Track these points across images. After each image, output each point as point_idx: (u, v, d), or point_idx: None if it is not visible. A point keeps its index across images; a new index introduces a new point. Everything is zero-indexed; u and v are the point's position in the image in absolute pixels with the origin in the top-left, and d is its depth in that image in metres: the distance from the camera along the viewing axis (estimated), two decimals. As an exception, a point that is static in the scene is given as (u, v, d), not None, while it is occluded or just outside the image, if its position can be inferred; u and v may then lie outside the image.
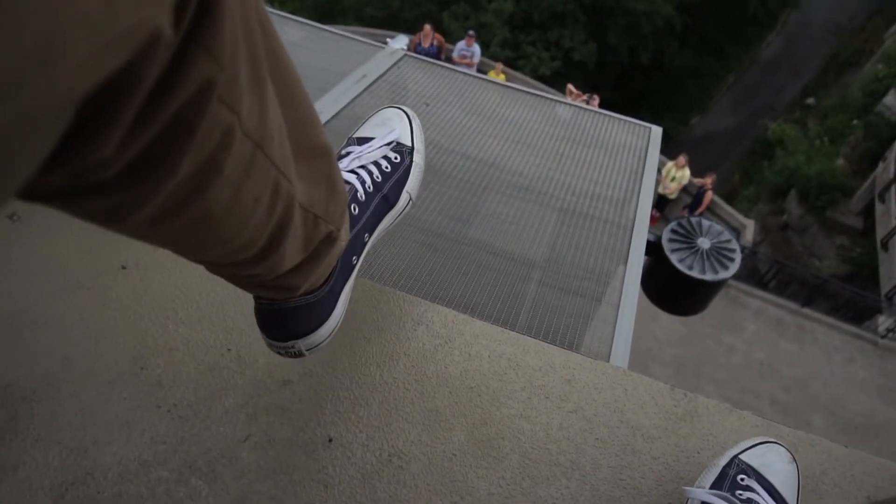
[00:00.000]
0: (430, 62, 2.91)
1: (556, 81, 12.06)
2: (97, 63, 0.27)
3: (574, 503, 0.81)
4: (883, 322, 8.62)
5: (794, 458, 0.80)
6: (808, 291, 9.32)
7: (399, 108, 0.90)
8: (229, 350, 0.91)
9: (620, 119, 2.81)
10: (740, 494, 0.74)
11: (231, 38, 0.36)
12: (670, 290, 2.97)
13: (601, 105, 8.74)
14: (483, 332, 0.97)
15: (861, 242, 11.54)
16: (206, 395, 0.87)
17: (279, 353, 0.73)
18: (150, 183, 0.37)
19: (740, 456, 0.79)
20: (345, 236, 0.69)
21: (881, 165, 11.51)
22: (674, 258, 2.83)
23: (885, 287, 9.48)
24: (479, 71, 9.66)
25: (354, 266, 0.77)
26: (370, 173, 0.80)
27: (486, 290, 1.93)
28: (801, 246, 12.21)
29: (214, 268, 0.58)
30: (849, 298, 9.45)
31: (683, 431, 0.89)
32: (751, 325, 8.30)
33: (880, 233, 10.33)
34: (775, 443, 0.81)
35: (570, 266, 2.12)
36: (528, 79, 11.32)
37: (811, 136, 14.10)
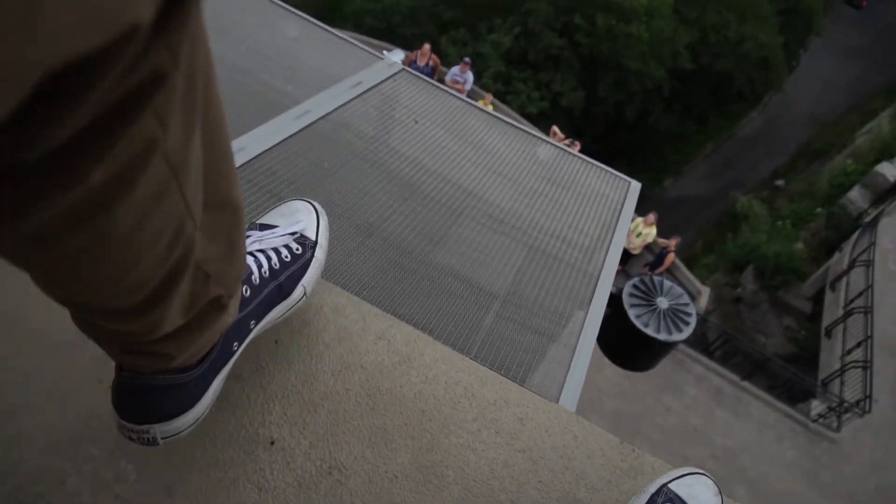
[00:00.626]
0: (426, 80, 2.93)
1: (541, 121, 12.22)
2: (73, 38, 0.25)
3: (508, 544, 0.80)
4: (816, 407, 8.84)
5: (720, 491, 0.81)
6: (750, 366, 9.53)
7: (309, 202, 0.89)
8: (183, 334, 0.88)
9: (601, 168, 2.85)
10: None
11: (187, 45, 0.35)
12: (624, 344, 3.00)
13: (581, 151, 8.87)
14: (444, 356, 0.96)
15: (807, 326, 11.86)
16: (151, 377, 0.83)
17: (129, 438, 0.66)
18: (59, 180, 0.34)
19: (669, 485, 0.80)
20: (233, 311, 0.65)
21: (836, 255, 11.89)
22: (632, 313, 2.86)
23: (823, 373, 9.74)
24: (468, 97, 9.74)
25: (234, 353, 0.73)
26: (269, 259, 0.78)
27: (446, 314, 1.92)
28: (750, 321, 12.50)
29: (85, 314, 0.53)
30: (787, 379, 9.68)
31: (626, 487, 0.89)
32: (692, 389, 8.44)
33: (826, 320, 10.63)
34: (703, 474, 0.82)
35: (531, 303, 2.13)
36: (514, 114, 11.46)
37: (776, 217, 14.52)
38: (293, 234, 0.83)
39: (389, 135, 2.59)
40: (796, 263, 12.62)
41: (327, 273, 1.83)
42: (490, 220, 2.40)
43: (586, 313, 2.05)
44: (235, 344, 0.72)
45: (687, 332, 2.83)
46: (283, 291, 0.79)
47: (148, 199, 0.40)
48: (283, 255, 0.80)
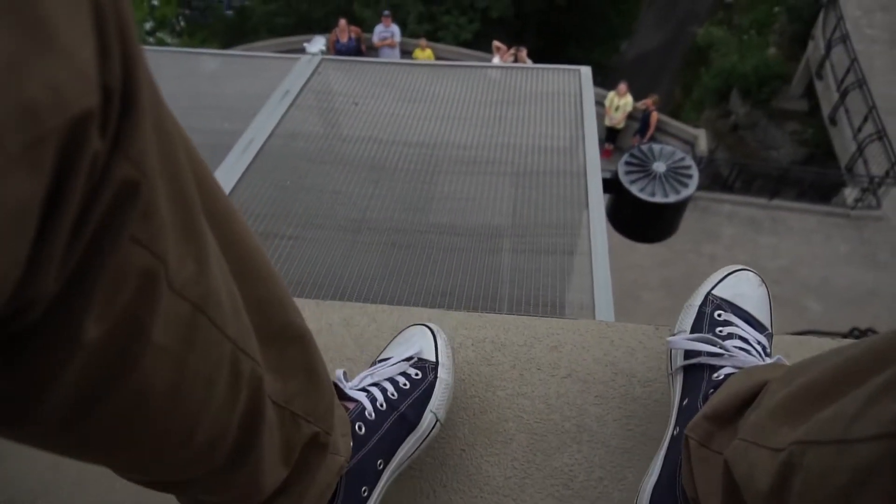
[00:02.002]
0: (350, 61, 2.90)
1: (480, 43, 11.99)
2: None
3: (589, 464, 0.82)
4: (850, 194, 8.79)
5: (763, 281, 0.80)
6: (772, 183, 9.47)
7: (423, 325, 0.85)
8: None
9: (547, 68, 2.81)
10: (720, 331, 0.73)
11: (154, 151, 0.30)
12: (639, 220, 3.00)
13: (530, 54, 8.74)
14: (461, 321, 0.97)
15: (811, 123, 11.71)
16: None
17: None
18: (53, 349, 0.28)
19: (713, 291, 0.78)
20: (343, 449, 0.61)
21: (811, 45, 11.64)
22: (634, 189, 2.85)
23: (844, 159, 9.65)
24: (402, 51, 9.60)
25: (366, 499, 0.67)
26: (384, 390, 0.73)
27: (461, 272, 1.93)
28: (754, 142, 12.37)
29: (186, 494, 0.49)
30: (812, 180, 9.62)
31: (676, 366, 0.90)
32: (726, 229, 8.43)
33: (825, 109, 10.47)
34: (744, 269, 0.80)
35: (536, 226, 2.13)
36: (452, 48, 11.27)
37: (739, 33, 14.23)
38: (408, 359, 0.79)
39: (338, 126, 2.57)
40: (775, 68, 12.41)
41: (336, 291, 1.84)
42: (465, 164, 2.39)
43: (588, 212, 2.05)
44: (365, 490, 0.67)
45: (692, 185, 2.82)
46: (409, 422, 0.73)
47: (176, 342, 0.35)
48: (400, 384, 0.75)
